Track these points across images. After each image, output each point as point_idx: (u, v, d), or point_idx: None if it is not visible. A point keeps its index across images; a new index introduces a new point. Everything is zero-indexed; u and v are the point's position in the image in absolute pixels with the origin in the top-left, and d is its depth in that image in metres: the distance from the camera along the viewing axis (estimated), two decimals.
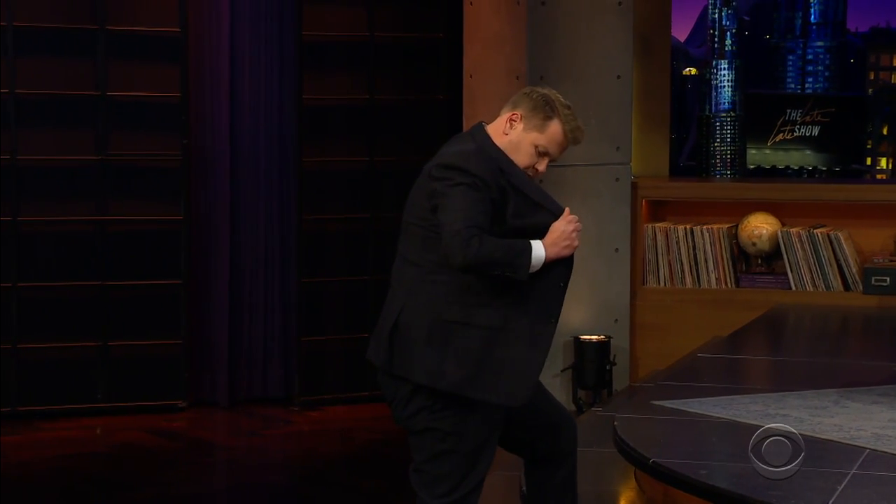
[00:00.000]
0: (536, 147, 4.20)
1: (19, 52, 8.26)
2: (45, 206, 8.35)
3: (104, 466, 7.45)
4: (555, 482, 4.39)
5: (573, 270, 4.23)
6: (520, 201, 4.14)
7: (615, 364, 7.71)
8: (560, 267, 4.17)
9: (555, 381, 7.66)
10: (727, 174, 14.14)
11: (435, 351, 4.14)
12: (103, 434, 8.06)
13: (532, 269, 4.09)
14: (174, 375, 8.52)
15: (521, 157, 4.20)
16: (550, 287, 4.19)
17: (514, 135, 4.21)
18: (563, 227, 4.14)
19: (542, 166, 4.22)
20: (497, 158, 4.17)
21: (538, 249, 4.09)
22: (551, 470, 4.39)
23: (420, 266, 4.17)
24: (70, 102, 8.38)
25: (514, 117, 4.21)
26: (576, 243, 4.15)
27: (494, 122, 4.27)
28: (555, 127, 4.20)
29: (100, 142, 8.40)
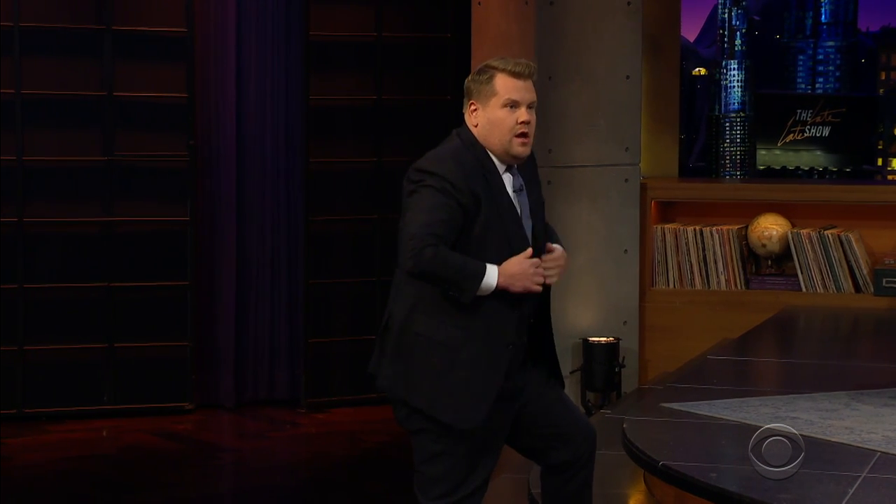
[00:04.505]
0: (504, 106, 4.20)
1: (25, 52, 8.24)
2: (51, 206, 8.33)
3: (111, 469, 7.44)
4: (568, 491, 4.36)
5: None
6: (491, 212, 4.13)
7: (624, 366, 7.67)
8: (519, 297, 4.17)
9: None
10: (737, 175, 14.11)
11: (399, 361, 4.16)
12: (110, 436, 8.04)
13: (479, 294, 4.08)
14: (181, 377, 8.50)
15: (503, 126, 4.19)
16: (508, 313, 4.19)
17: (481, 118, 4.22)
18: (521, 266, 4.13)
19: (522, 116, 4.20)
20: (482, 162, 4.17)
21: (490, 277, 4.09)
22: (565, 478, 4.35)
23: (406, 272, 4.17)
24: (76, 103, 8.36)
25: (472, 107, 4.24)
26: (534, 287, 4.14)
27: (466, 122, 4.28)
28: (499, 78, 4.22)
29: (106, 142, 8.38)
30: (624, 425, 5.08)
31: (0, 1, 8.19)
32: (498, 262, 4.13)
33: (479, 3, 7.95)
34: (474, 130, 4.23)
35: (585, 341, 7.66)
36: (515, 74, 4.22)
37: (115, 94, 8.38)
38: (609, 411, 6.80)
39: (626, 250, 7.79)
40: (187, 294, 8.50)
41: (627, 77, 7.78)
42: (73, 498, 6.92)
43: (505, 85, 4.21)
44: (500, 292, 4.13)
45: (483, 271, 4.08)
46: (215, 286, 8.68)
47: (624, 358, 7.68)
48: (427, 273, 4.04)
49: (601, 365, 7.62)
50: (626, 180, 7.81)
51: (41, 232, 8.34)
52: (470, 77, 4.29)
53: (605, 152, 7.74)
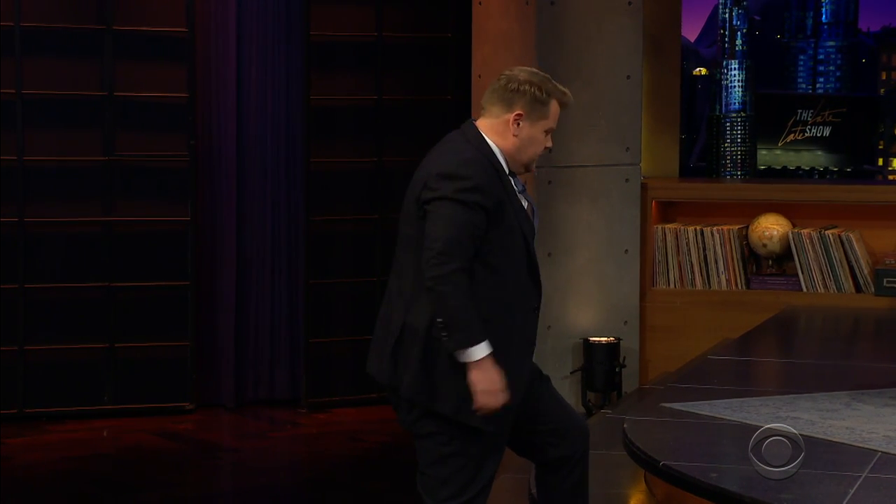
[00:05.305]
0: (545, 131, 4.27)
1: (26, 53, 8.24)
2: (52, 206, 8.33)
3: (111, 468, 7.44)
4: (565, 487, 4.37)
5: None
6: (510, 216, 4.16)
7: (625, 366, 7.67)
8: (533, 297, 4.22)
9: (564, 384, 7.62)
10: (737, 175, 14.10)
11: (426, 370, 4.14)
12: (110, 436, 8.04)
13: (460, 352, 4.03)
14: (181, 377, 8.49)
15: (536, 148, 4.26)
16: (530, 317, 4.23)
17: (523, 133, 4.23)
18: (495, 384, 4.05)
19: (549, 143, 4.30)
20: (494, 164, 4.17)
21: (475, 354, 4.03)
22: (562, 475, 4.36)
23: (417, 277, 4.15)
24: (77, 103, 8.36)
25: (517, 118, 4.21)
26: (486, 406, 4.05)
27: (489, 123, 4.24)
28: (554, 106, 4.27)
29: (107, 142, 8.38)
30: (625, 425, 5.08)
31: (1, 1, 8.19)
32: (514, 264, 4.16)
33: (480, 3, 7.95)
34: (509, 139, 4.20)
35: (586, 341, 7.66)
36: (564, 105, 4.30)
37: (115, 94, 8.38)
38: (610, 411, 6.80)
39: (626, 250, 7.79)
40: (188, 294, 8.50)
41: (628, 77, 7.78)
42: (73, 498, 6.92)
43: (555, 114, 4.28)
44: (524, 299, 4.17)
45: (478, 343, 4.03)
46: (216, 286, 8.68)
47: (624, 358, 7.67)
48: (442, 294, 4.02)
49: (602, 365, 7.62)
50: (627, 180, 7.81)
51: (42, 232, 8.34)
52: (530, 87, 4.21)
53: (605, 152, 7.74)
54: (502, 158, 4.21)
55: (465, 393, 4.11)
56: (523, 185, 4.31)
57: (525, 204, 4.26)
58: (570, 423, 4.38)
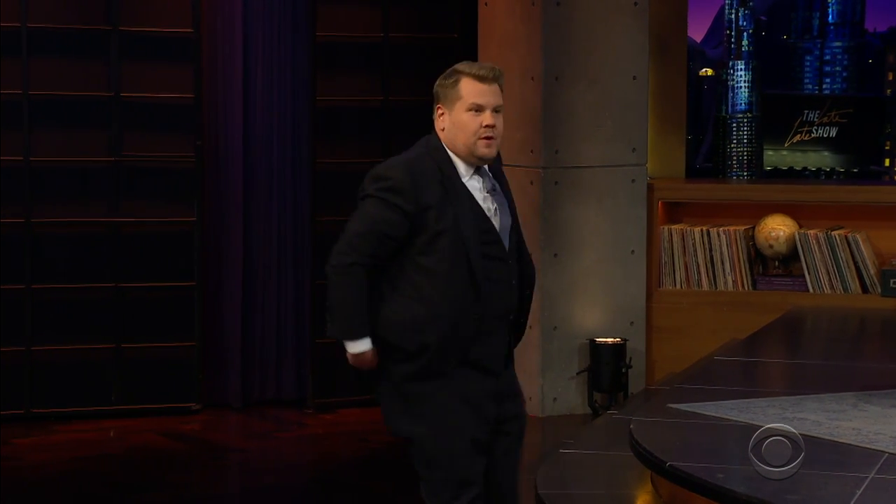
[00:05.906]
0: (468, 110, 4.24)
1: (33, 53, 8.25)
2: (59, 207, 8.34)
3: (118, 469, 7.44)
4: None
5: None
6: (445, 219, 4.15)
7: (631, 367, 7.67)
8: (472, 303, 4.19)
9: (570, 384, 7.63)
10: (744, 176, 14.07)
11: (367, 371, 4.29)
12: (117, 436, 8.04)
13: (344, 340, 4.25)
14: (188, 378, 8.50)
15: (467, 129, 4.24)
16: (469, 324, 4.20)
17: (447, 121, 4.29)
18: (372, 362, 4.27)
19: (487, 120, 4.24)
20: (442, 167, 4.21)
21: (355, 347, 4.25)
22: None
23: (377, 284, 4.22)
24: (83, 103, 8.36)
25: (439, 111, 4.31)
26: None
27: (437, 129, 4.34)
28: (464, 82, 4.27)
29: (113, 143, 8.39)
30: (631, 426, 5.08)
31: (7, 1, 8.19)
32: (450, 267, 4.15)
33: (486, 4, 7.96)
34: (441, 134, 4.28)
35: (592, 342, 7.66)
36: (480, 78, 4.25)
37: (122, 94, 8.38)
38: (616, 412, 6.80)
39: (633, 251, 7.79)
40: (194, 294, 8.50)
41: (634, 78, 7.78)
42: (80, 498, 6.93)
43: (469, 89, 4.25)
44: (459, 305, 4.15)
45: (355, 339, 4.23)
46: (222, 286, 8.68)
47: (631, 358, 7.68)
48: (333, 283, 4.15)
49: (608, 365, 7.62)
50: (633, 181, 7.81)
51: (48, 232, 8.34)
52: (438, 81, 4.33)
53: (612, 153, 7.74)
54: (456, 158, 4.23)
55: (388, 399, 4.20)
56: (493, 184, 4.30)
57: (492, 206, 4.24)
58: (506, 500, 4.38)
